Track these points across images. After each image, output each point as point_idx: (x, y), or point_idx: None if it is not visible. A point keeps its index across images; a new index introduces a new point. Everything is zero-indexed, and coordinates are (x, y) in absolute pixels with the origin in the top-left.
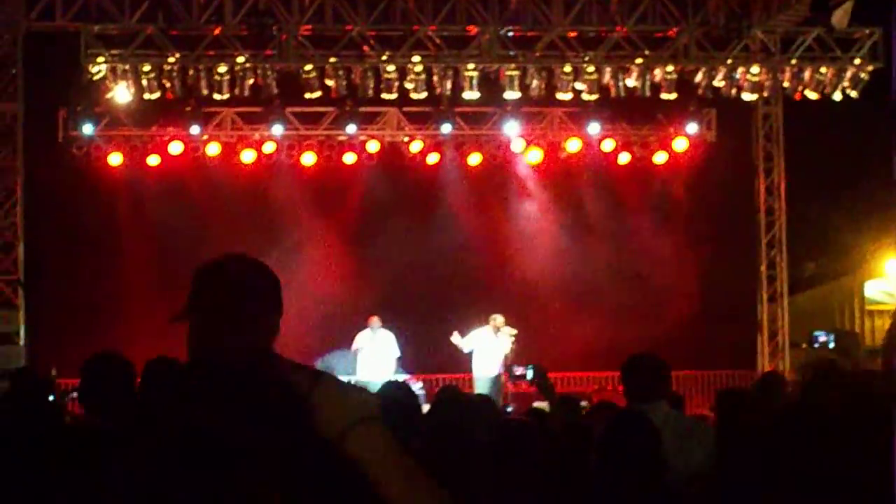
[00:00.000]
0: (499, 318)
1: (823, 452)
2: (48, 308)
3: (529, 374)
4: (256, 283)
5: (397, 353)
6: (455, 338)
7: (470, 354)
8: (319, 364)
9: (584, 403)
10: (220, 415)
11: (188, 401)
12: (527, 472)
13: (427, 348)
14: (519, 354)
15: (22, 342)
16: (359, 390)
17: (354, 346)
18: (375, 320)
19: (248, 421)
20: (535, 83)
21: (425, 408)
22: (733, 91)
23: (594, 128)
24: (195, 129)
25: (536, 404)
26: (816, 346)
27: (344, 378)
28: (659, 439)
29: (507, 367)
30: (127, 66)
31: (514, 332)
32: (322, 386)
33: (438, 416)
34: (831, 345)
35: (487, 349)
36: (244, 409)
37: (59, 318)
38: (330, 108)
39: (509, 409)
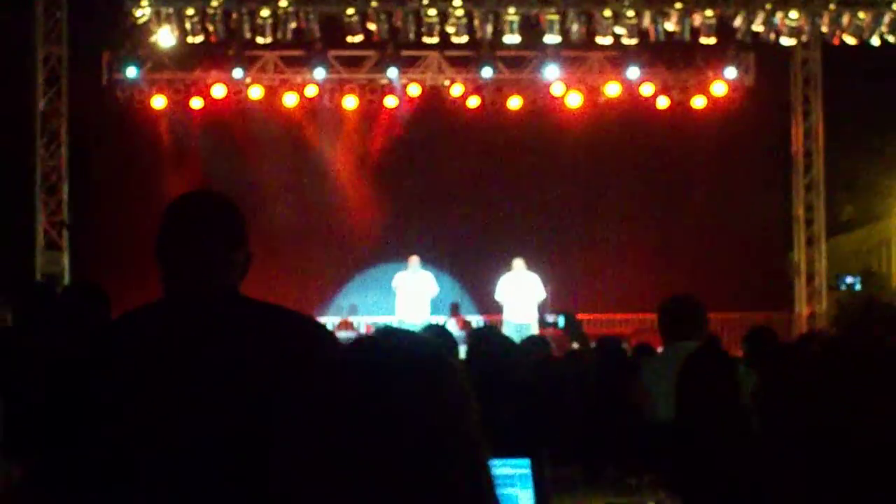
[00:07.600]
0: (519, 262)
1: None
2: (93, 250)
3: (560, 321)
4: (223, 219)
5: (436, 292)
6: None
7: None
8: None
9: (623, 346)
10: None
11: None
12: (568, 409)
13: (464, 290)
14: (556, 297)
15: (67, 283)
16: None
17: (393, 285)
18: (415, 260)
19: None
20: (575, 27)
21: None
22: (772, 36)
23: (633, 72)
24: (238, 73)
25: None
26: (843, 288)
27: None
28: None
29: (540, 315)
30: (171, 10)
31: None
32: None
33: (479, 357)
34: (857, 287)
35: (514, 294)
36: (224, 341)
37: (104, 260)
38: (371, 52)
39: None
